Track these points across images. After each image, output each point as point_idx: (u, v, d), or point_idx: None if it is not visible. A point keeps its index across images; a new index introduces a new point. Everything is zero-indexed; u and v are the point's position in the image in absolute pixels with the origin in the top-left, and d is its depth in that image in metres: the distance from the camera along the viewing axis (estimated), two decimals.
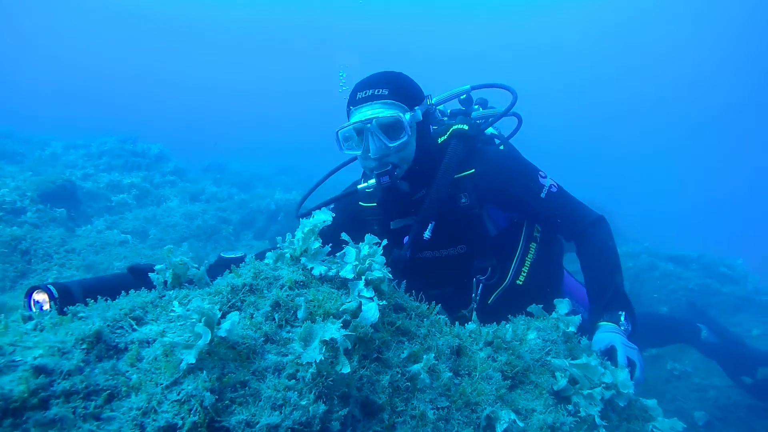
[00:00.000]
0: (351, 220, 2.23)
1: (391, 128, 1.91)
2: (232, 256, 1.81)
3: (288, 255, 1.27)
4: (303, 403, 0.89)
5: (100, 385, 0.84)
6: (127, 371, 0.89)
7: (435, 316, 1.41)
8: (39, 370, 0.81)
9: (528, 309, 1.74)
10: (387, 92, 1.92)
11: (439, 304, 1.46)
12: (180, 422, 0.79)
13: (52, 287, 1.29)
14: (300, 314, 1.08)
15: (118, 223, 5.14)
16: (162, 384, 0.85)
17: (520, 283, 2.16)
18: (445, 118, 2.47)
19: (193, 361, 0.87)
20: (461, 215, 2.07)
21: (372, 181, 1.96)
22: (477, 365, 1.34)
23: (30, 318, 1.04)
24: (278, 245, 1.30)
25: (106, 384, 0.85)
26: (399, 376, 1.13)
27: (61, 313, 1.14)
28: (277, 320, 1.07)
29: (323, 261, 1.26)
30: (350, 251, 1.32)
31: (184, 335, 0.94)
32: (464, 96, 2.44)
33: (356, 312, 1.14)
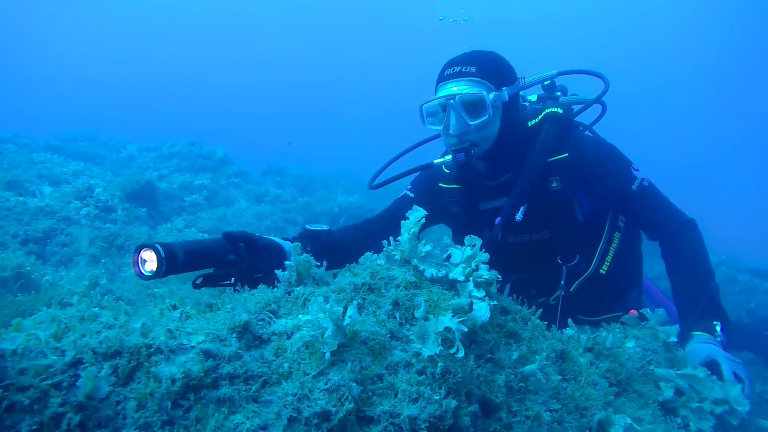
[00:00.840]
0: (429, 201, 2.21)
1: (473, 106, 1.89)
2: (318, 228, 1.89)
3: (398, 257, 1.33)
4: (436, 397, 0.94)
5: (255, 372, 0.92)
6: (273, 360, 0.96)
7: (536, 320, 1.42)
8: (207, 354, 0.90)
9: (622, 319, 1.71)
10: (475, 70, 1.91)
11: (521, 294, 1.46)
12: (333, 409, 0.85)
13: (159, 246, 1.32)
14: (418, 313, 1.13)
15: (195, 222, 5.46)
16: (310, 374, 0.92)
17: (603, 272, 2.12)
18: (527, 104, 2.42)
19: (335, 348, 0.94)
20: (551, 199, 2.04)
21: (448, 157, 1.97)
22: (582, 370, 1.33)
23: (174, 307, 1.15)
24: (385, 248, 1.36)
25: (259, 371, 0.93)
26: (512, 376, 1.15)
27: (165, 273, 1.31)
28: (398, 318, 1.12)
29: (433, 263, 1.31)
30: (455, 252, 1.35)
31: (317, 331, 1.01)
32: (548, 82, 2.39)
33: (467, 310, 1.17)
